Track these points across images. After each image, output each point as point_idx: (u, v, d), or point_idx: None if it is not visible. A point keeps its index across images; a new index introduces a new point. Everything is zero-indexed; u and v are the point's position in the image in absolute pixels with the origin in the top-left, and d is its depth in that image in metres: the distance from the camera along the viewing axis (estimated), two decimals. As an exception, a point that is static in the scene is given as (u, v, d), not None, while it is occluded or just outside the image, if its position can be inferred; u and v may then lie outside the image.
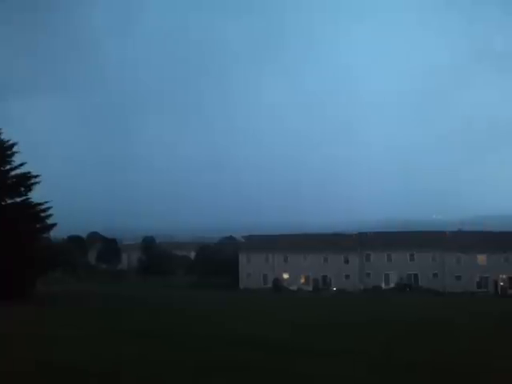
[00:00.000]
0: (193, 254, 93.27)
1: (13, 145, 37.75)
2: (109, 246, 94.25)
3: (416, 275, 70.59)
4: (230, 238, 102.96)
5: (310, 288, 70.51)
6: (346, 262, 73.50)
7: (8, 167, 37.70)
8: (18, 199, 38.13)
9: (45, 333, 16.44)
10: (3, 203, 37.51)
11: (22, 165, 37.65)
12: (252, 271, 75.41)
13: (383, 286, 70.00)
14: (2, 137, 37.94)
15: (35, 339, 14.87)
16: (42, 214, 38.27)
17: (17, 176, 37.82)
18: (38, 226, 38.49)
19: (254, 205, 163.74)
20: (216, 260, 78.66)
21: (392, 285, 69.97)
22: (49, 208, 38.33)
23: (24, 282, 35.43)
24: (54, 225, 38.78)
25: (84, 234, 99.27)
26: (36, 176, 37.89)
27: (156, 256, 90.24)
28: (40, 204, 38.19)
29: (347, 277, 72.36)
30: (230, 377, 10.14)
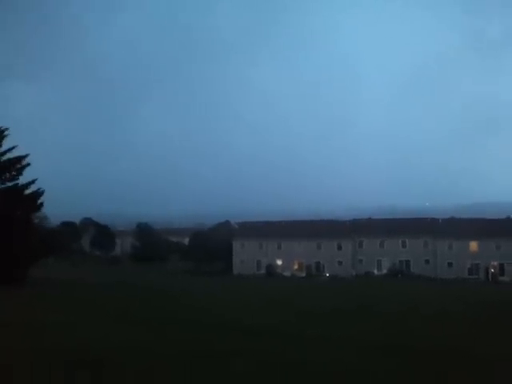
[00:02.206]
0: (187, 240, 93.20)
1: (2, 130, 37.48)
2: (102, 232, 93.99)
3: (408, 261, 71.18)
4: (226, 222, 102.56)
5: (303, 274, 70.97)
6: (339, 248, 73.93)
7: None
8: (9, 183, 37.88)
9: (35, 319, 16.44)
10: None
11: (12, 148, 37.37)
12: (246, 257, 75.75)
13: (376, 272, 70.56)
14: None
15: (25, 326, 14.86)
16: (33, 197, 38.09)
17: (7, 160, 37.52)
18: (28, 209, 38.30)
19: (248, 192, 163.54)
20: (210, 246, 78.79)
21: (385, 271, 70.55)
22: (42, 192, 38.14)
23: (16, 267, 35.33)
24: (41, 204, 38.62)
25: (77, 220, 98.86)
26: (25, 156, 37.56)
27: (150, 242, 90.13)
28: (31, 183, 37.82)
29: (340, 263, 72.86)
30: (218, 363, 10.19)
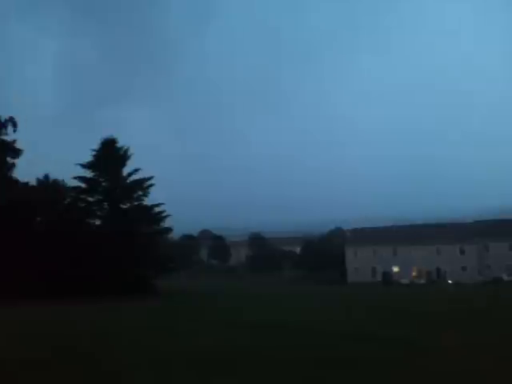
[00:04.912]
0: (299, 249, 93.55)
1: (127, 151, 40.84)
2: (218, 243, 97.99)
3: (544, 265, 64.31)
4: (338, 230, 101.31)
5: (423, 281, 67.36)
6: (462, 253, 69.15)
7: (125, 172, 40.84)
8: (136, 202, 41.09)
9: (164, 325, 17.49)
10: (123, 206, 40.66)
11: (137, 170, 40.58)
12: (360, 265, 73.96)
13: (505, 277, 64.67)
14: (118, 145, 41.21)
15: (158, 331, 15.87)
16: (159, 216, 40.87)
17: (134, 180, 40.78)
18: (155, 227, 41.19)
19: (359, 197, 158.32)
20: (322, 254, 78.23)
21: (516, 277, 64.41)
22: (164, 211, 40.82)
23: (143, 279, 38.06)
24: (170, 228, 41.27)
25: (195, 232, 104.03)
26: (150, 178, 40.56)
27: (264, 252, 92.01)
28: (156, 206, 40.74)
29: (464, 268, 68.04)
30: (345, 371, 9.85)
